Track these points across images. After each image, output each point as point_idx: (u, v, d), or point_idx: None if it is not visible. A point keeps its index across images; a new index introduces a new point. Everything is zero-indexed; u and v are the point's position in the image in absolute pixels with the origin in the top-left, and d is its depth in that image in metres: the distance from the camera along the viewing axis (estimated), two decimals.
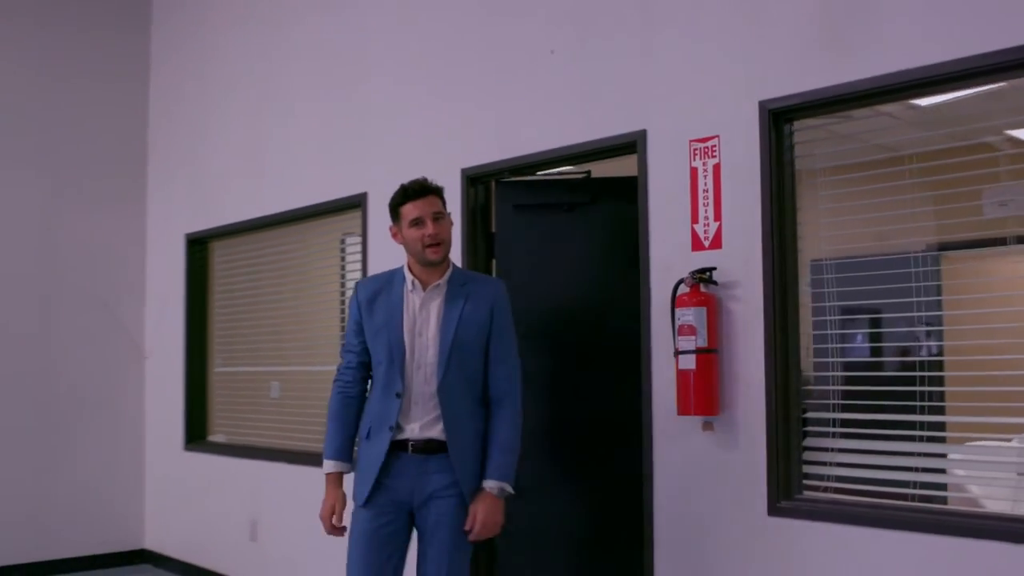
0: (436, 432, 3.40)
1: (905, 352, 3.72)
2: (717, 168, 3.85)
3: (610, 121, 4.24)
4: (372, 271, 5.44)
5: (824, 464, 3.64)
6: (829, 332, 3.68)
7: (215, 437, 6.90)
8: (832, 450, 3.63)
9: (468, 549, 3.44)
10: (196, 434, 6.92)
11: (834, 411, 3.65)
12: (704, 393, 3.74)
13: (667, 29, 4.06)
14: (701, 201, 3.89)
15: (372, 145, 5.51)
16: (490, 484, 3.42)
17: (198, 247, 7.01)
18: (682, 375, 3.78)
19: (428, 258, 3.44)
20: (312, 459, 5.42)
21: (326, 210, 5.79)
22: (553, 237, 4.62)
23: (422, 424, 3.40)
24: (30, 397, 6.91)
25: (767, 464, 3.63)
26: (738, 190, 3.77)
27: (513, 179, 4.74)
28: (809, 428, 3.69)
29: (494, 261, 4.79)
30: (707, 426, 3.83)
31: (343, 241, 5.92)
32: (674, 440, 3.94)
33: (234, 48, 6.73)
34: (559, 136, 4.45)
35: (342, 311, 5.71)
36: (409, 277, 3.51)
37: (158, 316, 7.30)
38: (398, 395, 3.39)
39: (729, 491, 3.75)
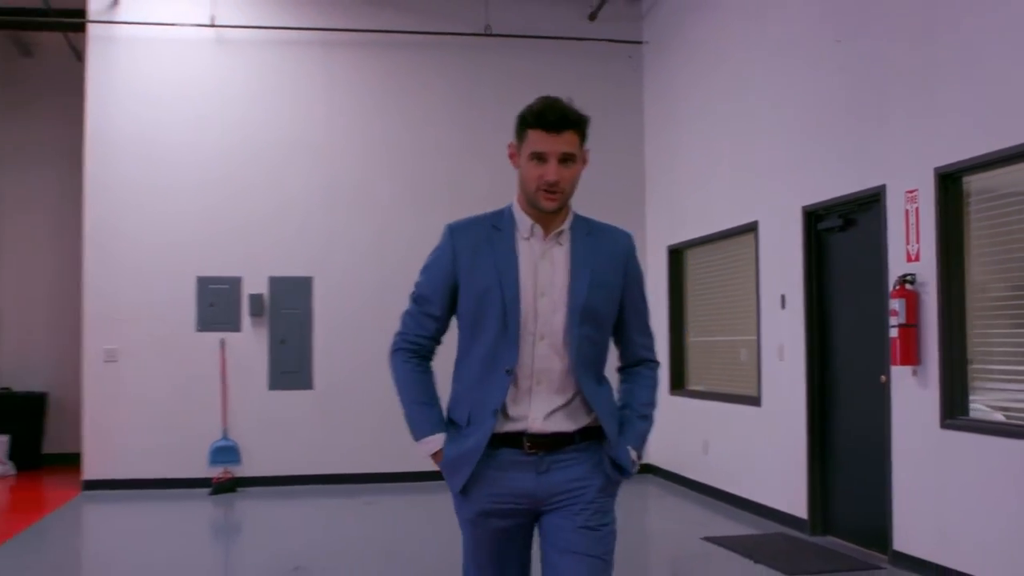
0: (563, 422, 2.79)
1: None
2: (917, 210, 6.08)
3: (866, 179, 6.59)
4: (766, 283, 8.12)
5: (982, 399, 5.76)
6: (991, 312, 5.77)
7: (696, 386, 9.93)
8: (991, 390, 5.74)
9: (613, 540, 2.89)
10: (678, 383, 10.02)
11: (992, 364, 5.75)
12: (905, 351, 6.04)
13: (896, 114, 6.33)
14: (910, 230, 6.14)
15: (760, 181, 8.18)
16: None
17: (676, 255, 10.11)
18: (892, 341, 6.11)
19: (540, 204, 2.76)
20: (746, 400, 8.29)
21: (734, 233, 8.60)
22: (835, 247, 7.07)
23: (548, 413, 2.78)
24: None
25: (940, 395, 5.85)
26: (927, 224, 5.99)
27: (819, 211, 7.24)
28: (976, 374, 5.81)
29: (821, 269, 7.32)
30: (914, 372, 6.10)
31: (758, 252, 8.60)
32: (898, 379, 6.24)
33: (695, 114, 9.70)
34: (840, 187, 6.87)
35: (758, 301, 8.32)
36: (526, 220, 2.82)
37: (654, 303, 10.50)
38: (508, 372, 2.74)
39: (920, 411, 6.01)
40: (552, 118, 2.75)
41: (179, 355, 9.91)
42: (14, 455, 10.73)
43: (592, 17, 10.71)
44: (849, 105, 6.88)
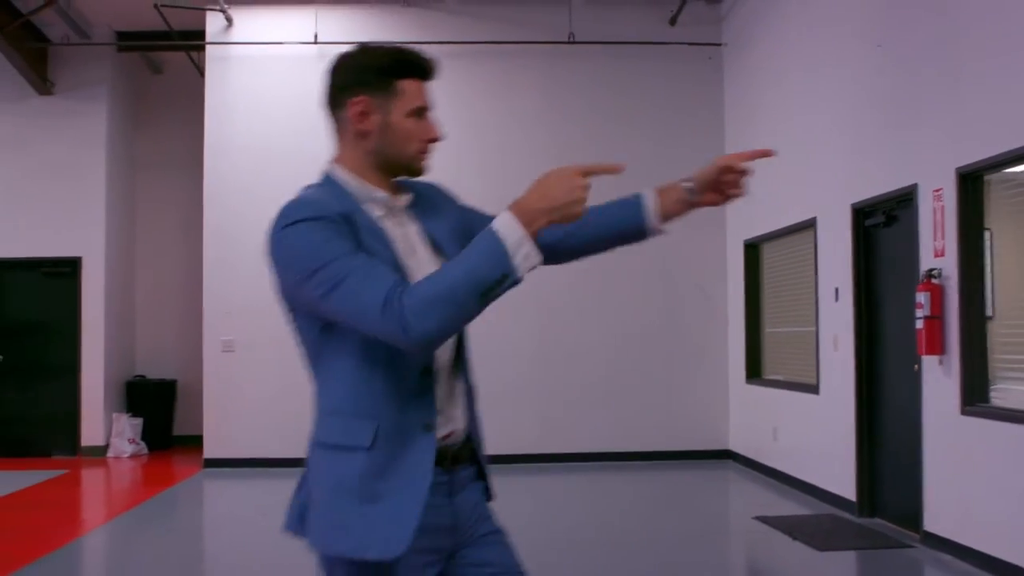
0: (465, 424, 2.33)
1: None
2: (942, 208, 6.43)
3: (902, 178, 6.95)
4: (823, 277, 8.50)
5: (1002, 388, 6.09)
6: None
7: (770, 375, 10.32)
8: (1010, 379, 6.07)
9: None
10: (754, 372, 10.42)
11: (1011, 353, 6.07)
12: (931, 342, 6.40)
13: (925, 116, 6.67)
14: (937, 227, 6.49)
15: (818, 179, 8.54)
16: None
17: (752, 249, 10.51)
18: (918, 332, 6.47)
19: (419, 166, 2.31)
20: (808, 388, 8.69)
21: (797, 229, 9.00)
22: (881, 242, 7.44)
23: (455, 416, 2.30)
24: (657, 345, 11.04)
25: (960, 383, 6.20)
26: (951, 221, 6.33)
27: (866, 208, 7.60)
28: (997, 365, 6.14)
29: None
30: (940, 361, 6.45)
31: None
32: (927, 368, 6.60)
33: (768, 114, 10.09)
34: (883, 186, 7.23)
35: (816, 294, 8.69)
36: (379, 194, 2.28)
37: (733, 295, 10.94)
38: (428, 371, 2.21)
39: (944, 398, 6.37)
40: (429, 65, 2.31)
41: (288, 345, 10.65)
42: (146, 436, 11.87)
43: (672, 21, 11.17)
44: (888, 108, 7.23)
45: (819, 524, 7.41)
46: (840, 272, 8.03)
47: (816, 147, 8.62)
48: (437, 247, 2.31)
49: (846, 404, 7.86)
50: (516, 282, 2.03)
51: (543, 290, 10.90)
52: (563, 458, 10.90)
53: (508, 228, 2.03)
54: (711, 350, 11.14)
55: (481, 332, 9.89)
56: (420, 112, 2.28)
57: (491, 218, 2.33)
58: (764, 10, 10.14)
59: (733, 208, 10.85)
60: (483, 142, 11.17)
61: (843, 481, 7.91)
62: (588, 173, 2.10)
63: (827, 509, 7.99)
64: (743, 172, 2.44)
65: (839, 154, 8.11)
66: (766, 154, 2.48)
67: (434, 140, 2.31)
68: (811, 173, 8.72)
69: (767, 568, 6.80)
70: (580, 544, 7.11)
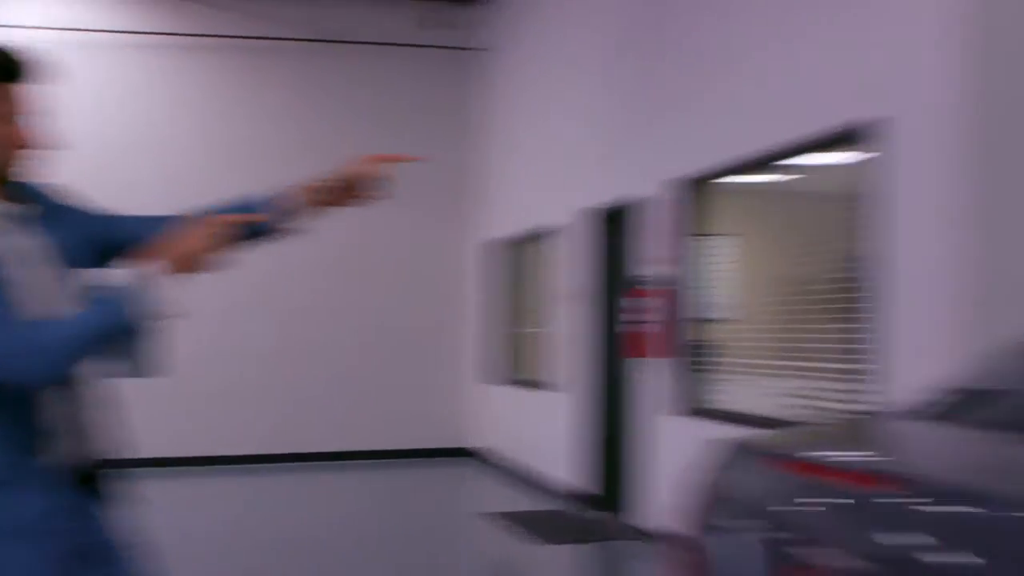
0: (90, 442, 2.29)
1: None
2: (667, 215, 6.84)
3: (636, 186, 7.38)
4: (566, 279, 8.85)
5: (707, 391, 6.57)
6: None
7: (512, 374, 10.64)
8: (716, 383, 6.55)
9: None
10: (497, 371, 10.72)
11: (713, 358, 6.55)
12: (634, 345, 6.83)
13: (657, 127, 7.10)
14: (661, 234, 6.91)
15: (562, 184, 8.90)
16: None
17: (496, 249, 10.81)
18: (623, 336, 6.90)
19: (7, 174, 2.18)
20: (551, 387, 9.00)
21: (544, 232, 9.34)
22: (616, 247, 7.88)
23: (77, 436, 2.24)
24: (393, 341, 11.20)
25: (673, 385, 6.65)
26: (674, 227, 6.75)
27: (607, 213, 8.00)
28: (699, 370, 6.61)
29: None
30: (653, 365, 6.88)
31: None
32: (647, 368, 7.02)
33: (512, 125, 10.40)
34: (619, 192, 7.65)
35: (557, 295, 9.04)
36: None
37: (474, 295, 11.22)
38: (42, 396, 2.15)
39: (657, 399, 6.81)
40: (19, 68, 2.19)
41: None
42: None
43: (425, 24, 11.31)
44: (627, 117, 7.63)
45: (548, 519, 7.73)
46: (578, 275, 8.41)
47: (563, 152, 8.98)
48: (61, 258, 2.25)
49: (580, 403, 8.24)
50: (145, 330, 2.09)
51: (282, 288, 10.89)
52: (299, 458, 10.88)
53: (141, 278, 2.09)
54: (452, 349, 11.40)
55: (217, 330, 9.72)
56: (9, 117, 2.15)
57: (120, 219, 2.42)
58: (525, 13, 10.39)
59: (481, 210, 11.18)
60: (234, 134, 11.00)
61: (583, 477, 8.26)
62: (221, 226, 2.21)
63: (562, 504, 8.35)
64: (370, 176, 2.45)
65: (583, 160, 8.48)
66: (399, 159, 2.50)
67: (22, 147, 2.18)
68: (557, 177, 9.09)
69: (489, 562, 7.05)
70: (308, 545, 7.12)
